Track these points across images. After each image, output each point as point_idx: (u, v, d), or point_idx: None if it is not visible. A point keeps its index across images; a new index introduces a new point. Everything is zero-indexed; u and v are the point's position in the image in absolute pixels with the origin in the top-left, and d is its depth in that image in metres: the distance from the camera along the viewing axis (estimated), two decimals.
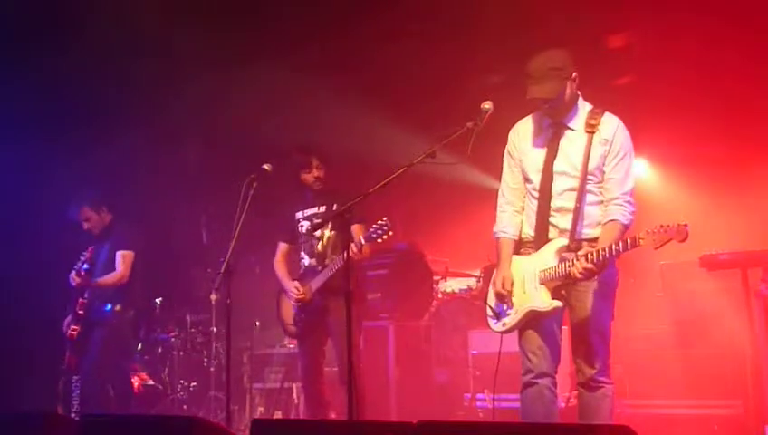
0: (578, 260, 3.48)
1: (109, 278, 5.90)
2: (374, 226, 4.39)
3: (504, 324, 3.78)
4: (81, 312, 5.76)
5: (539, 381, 3.63)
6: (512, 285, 3.74)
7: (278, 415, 6.60)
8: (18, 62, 6.51)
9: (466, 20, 6.41)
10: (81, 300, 5.77)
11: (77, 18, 6.25)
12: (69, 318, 5.80)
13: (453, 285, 7.35)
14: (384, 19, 6.50)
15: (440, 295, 7.17)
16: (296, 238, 5.30)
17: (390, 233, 4.28)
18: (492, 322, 3.87)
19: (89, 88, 6.78)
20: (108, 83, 6.81)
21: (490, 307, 3.88)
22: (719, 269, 5.18)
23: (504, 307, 3.78)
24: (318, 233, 5.12)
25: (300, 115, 7.35)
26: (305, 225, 5.22)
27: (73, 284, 5.76)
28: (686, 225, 3.24)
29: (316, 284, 5.06)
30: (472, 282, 7.21)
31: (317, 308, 5.08)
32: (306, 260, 5.22)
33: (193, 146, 8.62)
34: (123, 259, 5.94)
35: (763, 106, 6.11)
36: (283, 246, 5.38)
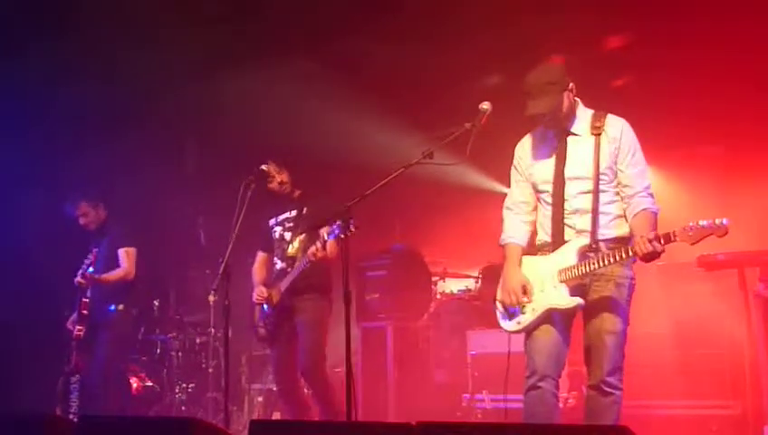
0: (645, 241, 3.40)
1: (113, 274, 5.88)
2: (336, 223, 4.39)
3: (518, 323, 3.75)
4: (85, 312, 5.75)
5: (542, 384, 3.62)
6: (528, 285, 3.73)
7: (276, 416, 6.60)
8: (18, 61, 6.51)
9: (465, 22, 6.41)
10: (84, 300, 5.75)
11: (77, 18, 6.25)
12: (74, 317, 5.79)
13: (451, 285, 7.35)
14: (382, 22, 6.50)
15: (438, 296, 7.17)
16: (272, 246, 5.33)
17: (353, 229, 4.21)
18: (503, 321, 3.83)
19: (86, 88, 6.77)
20: (105, 84, 6.80)
21: (502, 305, 3.83)
22: (717, 269, 5.18)
23: (519, 306, 3.75)
24: (288, 237, 5.15)
25: (298, 117, 7.34)
26: (278, 230, 5.24)
27: (76, 284, 5.73)
28: (726, 223, 3.31)
29: (284, 285, 5.06)
30: (470, 283, 7.21)
31: (285, 308, 5.08)
32: (279, 264, 5.25)
33: (191, 146, 8.62)
34: (127, 255, 5.94)
35: (758, 107, 6.12)
36: (260, 256, 5.44)
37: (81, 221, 6.04)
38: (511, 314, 3.79)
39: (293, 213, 5.13)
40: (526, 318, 3.72)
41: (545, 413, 3.62)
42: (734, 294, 5.07)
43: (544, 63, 3.82)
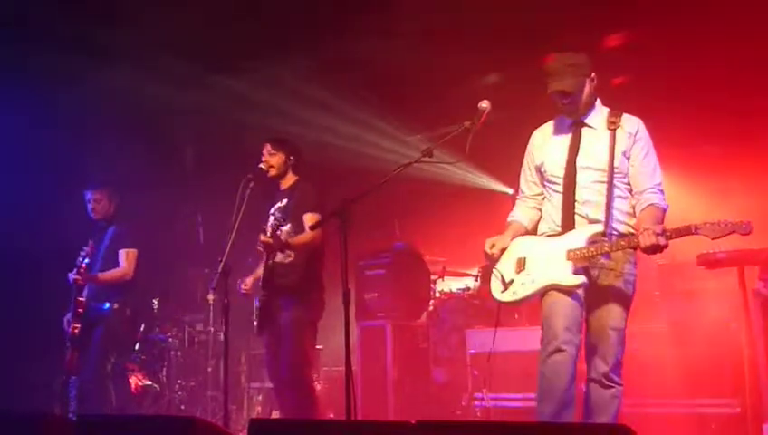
0: (651, 233, 3.43)
1: (111, 274, 5.88)
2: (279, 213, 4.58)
3: (513, 293, 3.74)
4: (80, 310, 5.74)
5: (565, 347, 3.52)
6: (499, 251, 3.83)
7: (276, 414, 6.59)
8: (20, 60, 6.51)
9: (463, 20, 6.41)
10: (79, 298, 5.75)
11: (77, 18, 6.25)
12: (68, 316, 5.79)
13: (450, 284, 7.35)
14: (381, 20, 6.49)
15: (438, 295, 7.17)
16: None
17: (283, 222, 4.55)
18: (498, 289, 3.82)
19: (85, 88, 6.77)
20: (104, 83, 6.80)
21: (501, 274, 3.82)
22: (716, 268, 5.17)
23: (518, 278, 3.75)
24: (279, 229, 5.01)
25: (296, 116, 7.34)
26: (270, 220, 5.10)
27: (72, 282, 5.72)
28: (749, 221, 3.36)
29: (251, 279, 5.01)
30: (470, 281, 7.21)
31: (266, 304, 4.91)
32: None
33: (190, 144, 8.62)
34: (127, 256, 5.93)
35: (758, 106, 6.12)
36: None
37: (91, 205, 6.03)
38: (507, 283, 3.77)
39: (284, 202, 5.06)
40: (525, 289, 3.71)
41: (567, 380, 3.49)
42: (734, 292, 5.06)
43: (568, 50, 3.82)
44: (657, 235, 3.41)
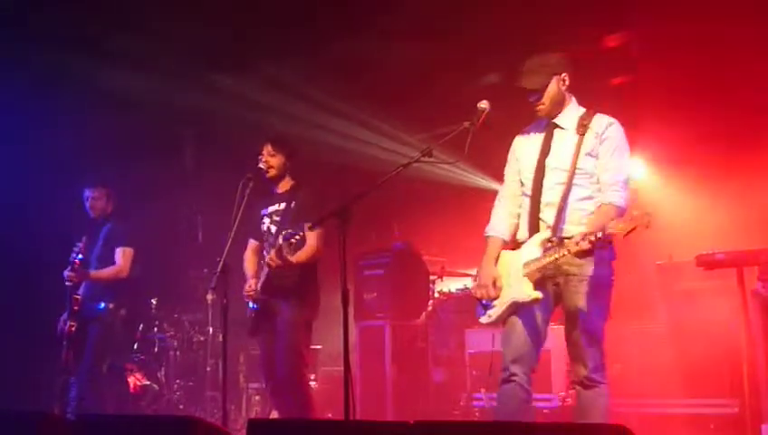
0: (572, 243, 3.47)
1: (107, 271, 5.87)
2: (289, 231, 4.50)
3: (489, 316, 3.81)
4: (76, 308, 5.75)
5: (514, 378, 3.67)
6: (498, 280, 3.79)
7: (274, 415, 6.59)
8: (20, 61, 6.52)
9: (464, 20, 6.41)
10: (75, 296, 5.75)
11: (77, 14, 6.26)
12: (65, 315, 5.79)
13: (449, 284, 7.35)
14: (381, 21, 6.50)
15: (437, 295, 7.18)
16: (262, 236, 5.14)
17: (297, 237, 4.45)
18: (479, 313, 3.90)
19: (85, 86, 6.77)
20: (103, 82, 6.80)
21: (478, 300, 3.89)
22: (715, 268, 5.17)
23: (491, 300, 3.80)
24: (274, 230, 4.98)
25: (296, 116, 7.34)
26: (266, 222, 5.07)
27: (67, 281, 5.71)
28: (649, 212, 3.33)
29: (259, 282, 4.96)
30: (468, 281, 7.21)
31: (264, 307, 4.92)
32: (266, 257, 5.01)
33: (189, 144, 8.63)
34: (124, 255, 5.92)
35: (756, 105, 6.12)
36: (252, 243, 5.23)
37: (89, 203, 6.02)
38: (485, 306, 3.83)
39: (282, 205, 5.02)
40: (495, 311, 3.77)
41: (514, 408, 3.65)
42: (733, 292, 5.06)
43: (543, 50, 3.85)
44: (578, 242, 3.44)
